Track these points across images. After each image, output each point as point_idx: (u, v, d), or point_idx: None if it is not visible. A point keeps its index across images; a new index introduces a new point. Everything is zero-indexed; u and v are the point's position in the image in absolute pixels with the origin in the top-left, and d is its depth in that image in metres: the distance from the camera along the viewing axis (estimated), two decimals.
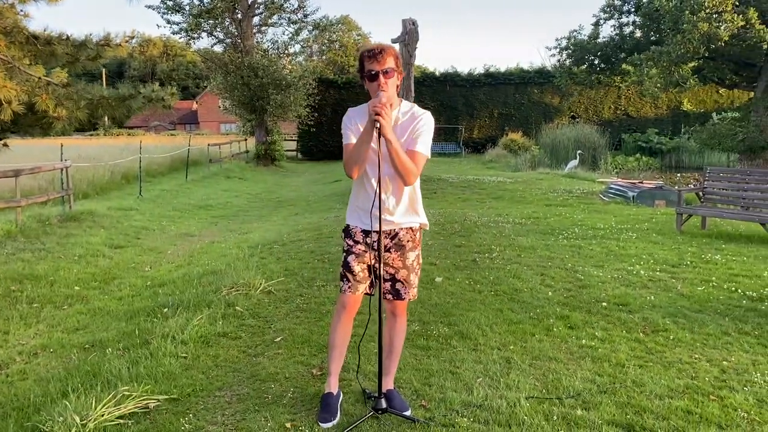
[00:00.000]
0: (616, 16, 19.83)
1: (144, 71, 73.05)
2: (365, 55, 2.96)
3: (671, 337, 4.27)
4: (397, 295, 3.19)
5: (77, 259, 8.18)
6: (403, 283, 3.17)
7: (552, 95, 32.63)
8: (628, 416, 3.13)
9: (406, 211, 3.14)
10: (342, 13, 72.86)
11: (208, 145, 23.70)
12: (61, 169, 11.58)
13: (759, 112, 17.36)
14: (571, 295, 5.33)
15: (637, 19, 19.53)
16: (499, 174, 17.79)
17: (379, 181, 2.93)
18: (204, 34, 27.16)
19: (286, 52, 28.74)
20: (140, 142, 18.42)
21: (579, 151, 20.97)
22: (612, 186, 12.82)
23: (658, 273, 6.05)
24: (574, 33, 20.65)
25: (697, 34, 14.51)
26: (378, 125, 2.79)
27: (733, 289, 5.44)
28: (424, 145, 3.01)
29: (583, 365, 3.81)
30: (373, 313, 3.13)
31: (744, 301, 5.07)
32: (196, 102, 69.22)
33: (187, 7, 26.28)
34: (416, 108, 3.11)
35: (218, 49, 27.88)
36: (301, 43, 30.12)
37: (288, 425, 3.11)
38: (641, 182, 13.11)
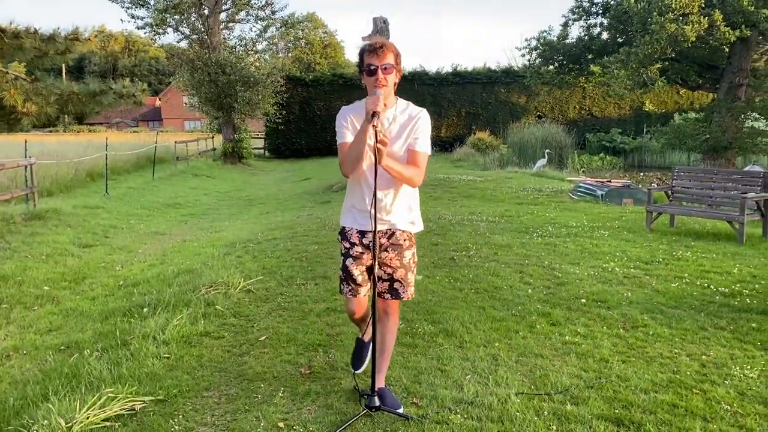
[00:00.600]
0: (584, 17, 20.16)
1: (105, 67, 71.53)
2: (366, 49, 2.96)
3: (650, 333, 4.36)
4: (396, 295, 3.19)
5: (45, 259, 7.98)
6: (401, 282, 3.18)
7: (518, 95, 32.98)
8: (617, 411, 3.19)
9: (403, 211, 3.14)
10: (308, 10, 72.39)
11: (175, 142, 23.31)
12: (26, 166, 11.27)
13: (721, 113, 17.85)
14: (551, 293, 5.40)
15: (605, 21, 19.88)
16: (468, 173, 17.91)
17: (375, 180, 2.92)
18: (170, 30, 26.70)
19: (254, 49, 28.45)
20: (106, 139, 18.05)
21: (547, 150, 21.25)
22: (581, 185, 13.02)
23: (632, 270, 6.17)
24: (544, 33, 20.93)
25: (665, 34, 14.85)
26: (377, 130, 2.79)
27: (706, 285, 5.58)
28: (425, 144, 3.07)
29: (569, 361, 3.86)
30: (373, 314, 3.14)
31: (717, 297, 5.20)
32: (159, 99, 68.01)
33: (152, 2, 25.79)
34: (412, 106, 3.12)
35: (184, 45, 27.49)
36: (268, 41, 29.84)
37: (281, 425, 3.08)
38: (609, 181, 13.35)
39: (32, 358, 4.61)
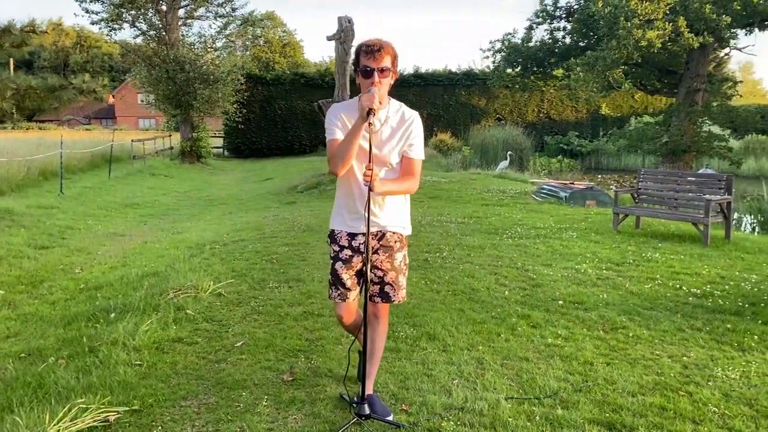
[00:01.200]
0: (548, 21, 20.45)
1: (56, 62, 69.28)
2: (362, 50, 2.85)
3: (630, 335, 4.36)
4: (387, 298, 3.09)
5: None
6: (392, 285, 3.08)
7: (479, 97, 33.31)
8: (607, 414, 3.16)
9: (393, 213, 3.06)
10: (267, 8, 71.72)
11: (132, 141, 22.71)
12: None
13: (680, 117, 18.33)
14: (527, 294, 5.38)
15: (568, 26, 20.21)
16: (432, 174, 17.90)
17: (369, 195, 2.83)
18: (126, 25, 25.95)
19: (213, 46, 27.93)
20: (61, 136, 17.45)
21: (509, 152, 21.45)
22: (544, 186, 13.15)
23: (604, 271, 6.21)
24: (509, 36, 21.14)
25: (632, 39, 15.15)
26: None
27: (678, 286, 5.65)
28: (419, 151, 3.03)
29: (554, 364, 3.83)
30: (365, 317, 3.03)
31: (690, 298, 5.27)
32: (113, 96, 66.19)
33: None
34: (405, 108, 3.04)
35: (140, 41, 26.78)
36: (227, 38, 29.32)
37: None
38: (573, 183, 13.52)
39: None
